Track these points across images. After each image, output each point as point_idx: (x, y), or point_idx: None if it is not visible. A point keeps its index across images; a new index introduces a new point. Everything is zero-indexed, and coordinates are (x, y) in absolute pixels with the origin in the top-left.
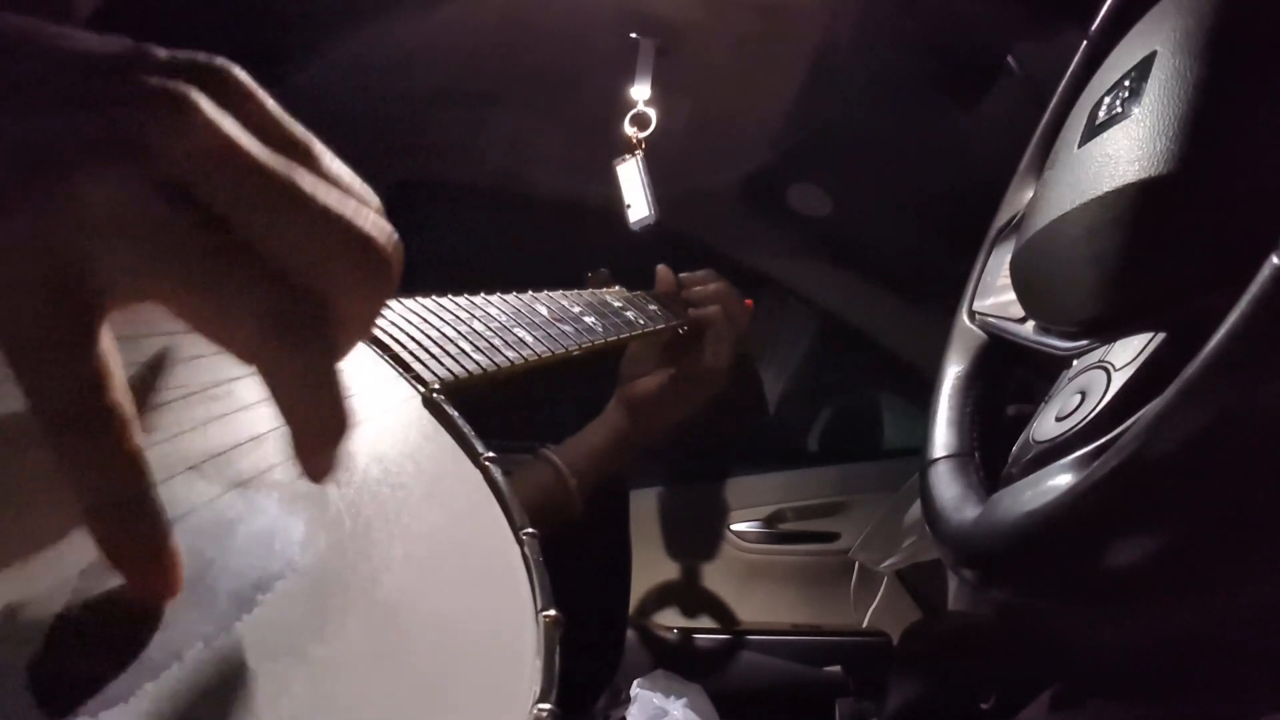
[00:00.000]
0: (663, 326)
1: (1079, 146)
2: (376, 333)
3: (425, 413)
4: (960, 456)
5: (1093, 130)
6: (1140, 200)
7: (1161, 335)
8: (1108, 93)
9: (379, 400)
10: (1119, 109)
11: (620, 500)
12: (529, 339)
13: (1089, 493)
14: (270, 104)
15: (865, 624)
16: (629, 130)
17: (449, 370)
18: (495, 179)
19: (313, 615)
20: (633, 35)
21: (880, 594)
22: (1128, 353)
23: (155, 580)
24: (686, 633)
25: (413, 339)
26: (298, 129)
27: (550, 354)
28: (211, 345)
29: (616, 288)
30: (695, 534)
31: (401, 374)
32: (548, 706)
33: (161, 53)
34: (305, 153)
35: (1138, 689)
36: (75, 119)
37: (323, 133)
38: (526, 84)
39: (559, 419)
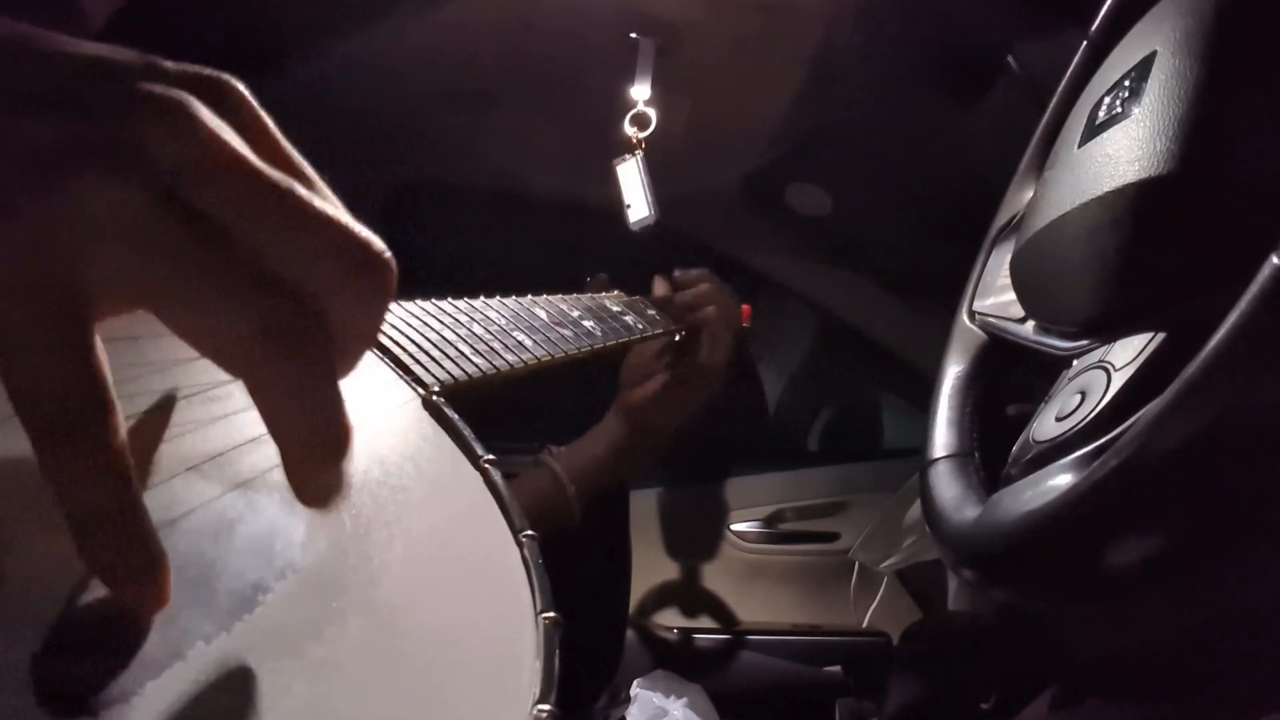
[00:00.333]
0: (661, 331)
1: (1079, 146)
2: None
3: (425, 415)
4: (960, 456)
5: (1093, 130)
6: (1140, 200)
7: (1161, 335)
8: (1108, 93)
9: (379, 402)
10: (1119, 109)
11: (620, 501)
12: (528, 342)
13: (1089, 493)
14: (269, 122)
15: (865, 624)
16: (629, 130)
17: (448, 373)
18: (495, 179)
19: (313, 616)
20: (633, 35)
21: (880, 594)
22: (1128, 353)
23: (139, 592)
24: (686, 633)
25: (412, 341)
26: (294, 153)
27: (549, 357)
28: None
29: (615, 292)
30: (695, 534)
31: (401, 376)
32: (547, 708)
33: (165, 64)
34: (299, 172)
35: (1138, 689)
36: (72, 124)
37: (323, 133)
38: (526, 84)
39: (558, 422)
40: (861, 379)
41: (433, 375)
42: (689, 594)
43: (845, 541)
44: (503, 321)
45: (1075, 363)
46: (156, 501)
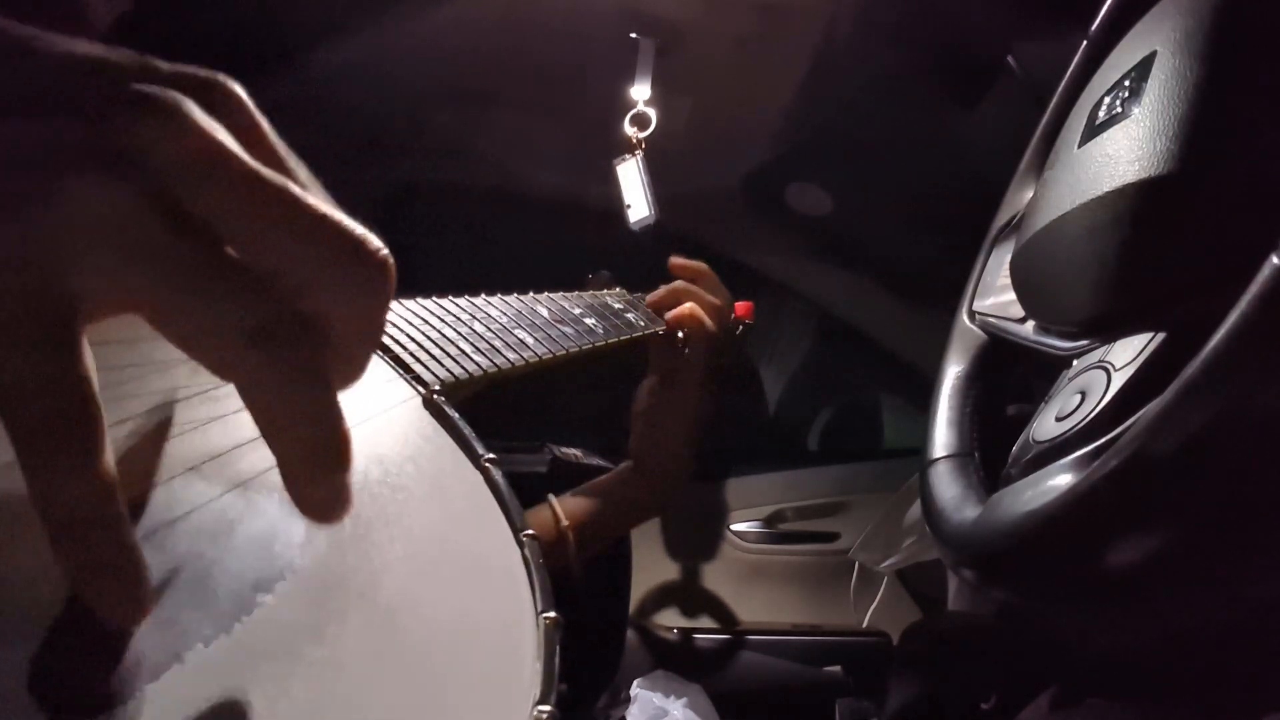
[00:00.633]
0: (664, 329)
1: (1079, 146)
2: None
3: (426, 414)
4: (960, 456)
5: (1093, 130)
6: (1140, 200)
7: (1161, 335)
8: (1108, 93)
9: (379, 401)
10: (1119, 109)
11: None
12: (529, 340)
13: (1089, 493)
14: (264, 124)
15: (865, 624)
16: (629, 130)
17: (449, 371)
18: (495, 179)
19: (312, 617)
20: (633, 35)
21: (880, 594)
22: (1128, 353)
23: (115, 604)
24: (686, 633)
25: (413, 340)
26: (290, 155)
27: (551, 355)
28: None
29: (617, 290)
30: (695, 534)
31: (402, 375)
32: (547, 708)
33: (160, 65)
34: (293, 176)
35: (1138, 689)
36: (64, 125)
37: (323, 133)
38: (527, 84)
39: (560, 421)
40: (861, 379)
41: (433, 374)
42: (689, 594)
43: (845, 541)
44: (504, 319)
45: (1075, 363)
46: (156, 502)
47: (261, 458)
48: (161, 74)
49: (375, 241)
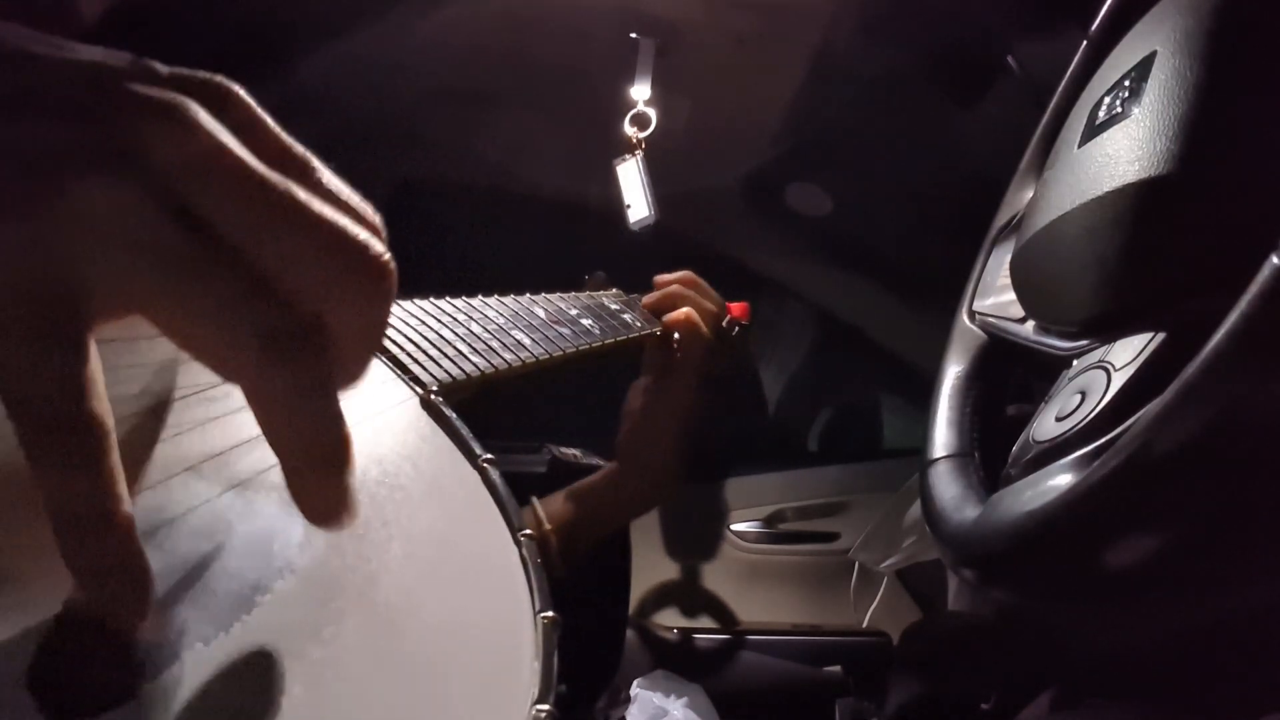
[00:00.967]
0: (660, 330)
1: (1079, 146)
2: None
3: (423, 414)
4: (960, 456)
5: (1093, 130)
6: (1140, 200)
7: (1161, 335)
8: (1108, 93)
9: (377, 402)
10: (1119, 109)
11: None
12: (526, 341)
13: (1089, 493)
14: (268, 121)
15: (865, 624)
16: (629, 130)
17: (447, 372)
18: (495, 179)
19: (311, 616)
20: (633, 35)
21: (880, 594)
22: (1128, 353)
23: (121, 605)
24: (686, 633)
25: (411, 340)
26: (296, 146)
27: (548, 356)
28: None
29: (614, 290)
30: (695, 534)
31: (399, 375)
32: (546, 707)
33: (159, 67)
34: (303, 169)
35: (1138, 689)
36: (71, 128)
37: (323, 132)
38: (527, 83)
39: (557, 421)
40: (861, 379)
41: (431, 374)
42: (689, 594)
43: (845, 541)
44: (501, 320)
45: (1075, 363)
46: (155, 502)
47: (260, 458)
48: (161, 76)
49: (378, 246)
